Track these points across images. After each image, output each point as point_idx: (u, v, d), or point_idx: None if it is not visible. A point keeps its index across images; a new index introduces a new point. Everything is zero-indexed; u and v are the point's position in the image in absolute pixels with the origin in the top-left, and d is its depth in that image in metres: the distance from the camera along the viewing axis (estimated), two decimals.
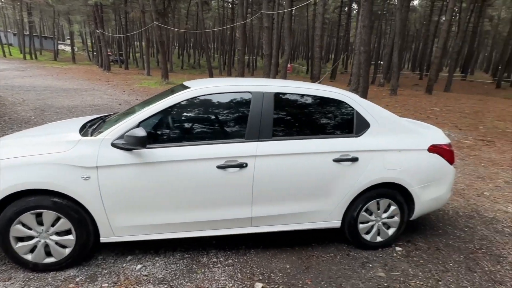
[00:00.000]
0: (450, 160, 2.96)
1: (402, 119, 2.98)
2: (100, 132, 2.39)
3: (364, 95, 11.26)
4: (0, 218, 2.18)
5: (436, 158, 2.88)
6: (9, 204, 2.19)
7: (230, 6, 36.37)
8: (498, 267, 2.74)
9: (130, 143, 2.20)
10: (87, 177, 2.23)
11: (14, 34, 49.18)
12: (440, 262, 2.77)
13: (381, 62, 31.91)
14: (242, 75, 19.65)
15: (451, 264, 2.75)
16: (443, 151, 2.91)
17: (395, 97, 16.25)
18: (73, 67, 31.13)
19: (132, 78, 22.12)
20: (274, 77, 18.21)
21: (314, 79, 16.43)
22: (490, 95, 19.98)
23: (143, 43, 30.48)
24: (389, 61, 23.22)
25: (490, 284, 2.51)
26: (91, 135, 2.41)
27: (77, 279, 2.29)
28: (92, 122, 2.89)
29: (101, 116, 3.17)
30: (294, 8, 16.20)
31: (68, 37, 52.77)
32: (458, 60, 36.52)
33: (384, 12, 37.27)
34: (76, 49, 45.28)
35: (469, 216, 3.70)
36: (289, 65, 29.90)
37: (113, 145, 2.28)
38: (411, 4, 29.15)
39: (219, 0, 39.81)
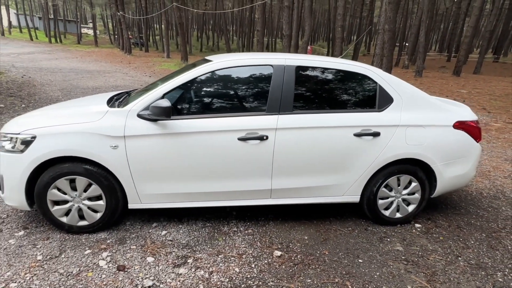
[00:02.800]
0: (477, 137, 2.87)
1: (428, 95, 2.89)
2: (127, 104, 2.49)
3: None
4: (38, 183, 2.35)
5: (462, 134, 2.80)
6: (45, 170, 2.36)
7: None
8: None
9: (155, 114, 2.28)
10: (115, 146, 2.34)
11: (40, 18, 50.47)
12: (461, 239, 2.75)
13: (406, 44, 30.46)
14: None
15: (472, 242, 2.72)
16: (469, 128, 2.82)
17: (420, 79, 15.62)
18: (96, 50, 31.77)
19: (152, 61, 22.37)
20: None
21: None
22: None
23: (163, 26, 30.52)
24: (415, 42, 22.17)
25: None
26: (118, 107, 2.51)
27: (108, 241, 2.45)
28: (118, 96, 3.00)
29: (126, 91, 3.28)
30: None
31: (90, 21, 53.63)
32: (491, 40, 34.24)
33: None
34: (97, 32, 46.06)
35: (493, 197, 3.61)
36: (309, 47, 29.13)
37: (139, 116, 2.38)
38: None
39: None
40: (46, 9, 40.60)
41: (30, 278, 2.02)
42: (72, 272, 2.09)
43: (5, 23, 43.49)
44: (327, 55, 34.58)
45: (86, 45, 38.17)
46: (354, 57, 29.44)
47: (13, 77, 11.39)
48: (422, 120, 2.72)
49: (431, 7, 19.75)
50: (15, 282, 1.98)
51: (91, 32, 51.49)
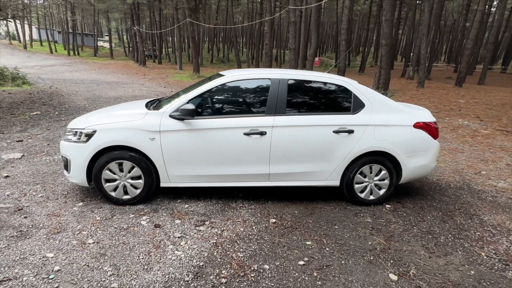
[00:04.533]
0: (434, 135, 3.59)
1: (394, 102, 3.65)
2: (161, 107, 3.33)
3: (385, 87, 11.61)
4: (96, 165, 3.19)
5: (420, 133, 3.53)
6: (101, 156, 3.20)
7: (259, 0, 36.95)
8: (469, 221, 3.37)
9: (183, 114, 3.11)
10: (153, 138, 3.17)
11: (59, 32, 53.15)
12: (420, 215, 3.45)
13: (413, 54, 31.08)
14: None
15: (429, 217, 3.42)
16: (427, 128, 3.55)
17: (421, 90, 16.26)
18: (112, 62, 33.45)
19: (165, 72, 23.63)
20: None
21: (340, 71, 16.80)
22: None
23: (175, 39, 32.03)
24: (419, 53, 22.83)
25: (456, 231, 3.16)
26: (154, 110, 3.34)
27: (145, 210, 3.26)
28: (152, 102, 3.86)
29: (157, 98, 4.13)
30: (321, 2, 16.57)
31: (106, 34, 56.19)
32: (500, 51, 34.52)
33: (418, 2, 36.02)
34: (113, 45, 48.23)
35: (459, 188, 4.29)
36: (317, 59, 30.03)
37: (170, 116, 3.20)
38: None
39: None
40: (66, 23, 42.98)
41: (95, 229, 2.83)
42: (123, 227, 2.90)
43: (27, 37, 46.07)
44: (335, 66, 35.46)
45: (102, 58, 40.08)
46: (361, 68, 30.34)
47: (42, 88, 12.55)
48: (387, 121, 3.47)
49: (437, 20, 20.50)
50: (85, 231, 2.79)
51: (106, 45, 53.88)
